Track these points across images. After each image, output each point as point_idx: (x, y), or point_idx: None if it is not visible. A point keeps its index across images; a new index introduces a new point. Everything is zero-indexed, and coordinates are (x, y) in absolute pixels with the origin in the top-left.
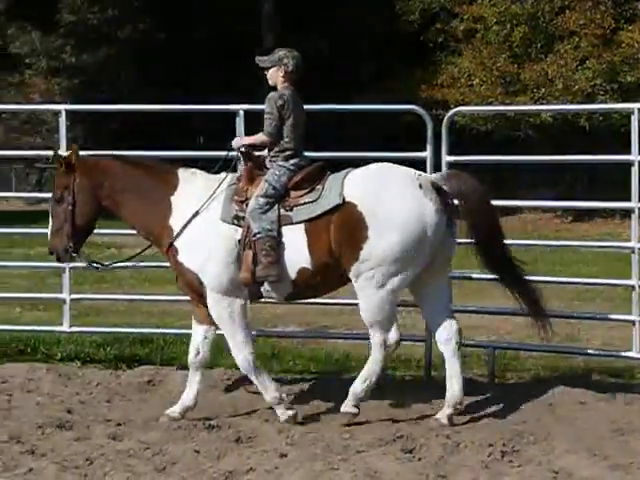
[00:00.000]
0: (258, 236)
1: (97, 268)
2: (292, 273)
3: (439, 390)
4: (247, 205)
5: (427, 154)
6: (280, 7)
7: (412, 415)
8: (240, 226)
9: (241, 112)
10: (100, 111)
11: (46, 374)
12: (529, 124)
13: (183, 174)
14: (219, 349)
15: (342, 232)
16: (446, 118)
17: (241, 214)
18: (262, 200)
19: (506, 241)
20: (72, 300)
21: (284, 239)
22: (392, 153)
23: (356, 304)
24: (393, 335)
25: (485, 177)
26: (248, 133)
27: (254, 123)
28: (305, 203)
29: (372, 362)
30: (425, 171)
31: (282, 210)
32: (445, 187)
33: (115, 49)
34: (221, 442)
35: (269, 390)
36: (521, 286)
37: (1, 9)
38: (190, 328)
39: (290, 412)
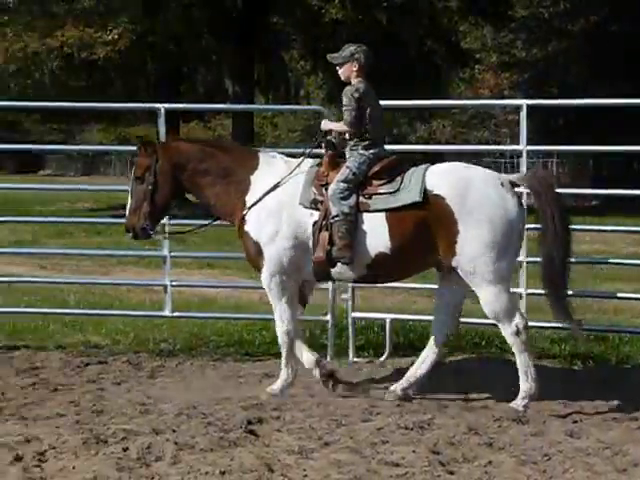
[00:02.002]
0: (336, 219)
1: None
2: (368, 257)
3: None
4: (326, 189)
5: None
6: None
7: None
8: (317, 209)
9: None
10: (556, 106)
11: (500, 366)
12: None
13: (264, 156)
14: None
15: (433, 225)
16: None
17: (319, 198)
18: (342, 185)
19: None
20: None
21: (361, 224)
22: None
23: None
24: (521, 320)
25: None
26: None
27: None
28: (384, 193)
29: (517, 354)
30: None
31: (361, 197)
32: (522, 186)
33: (565, 43)
34: None
35: (289, 369)
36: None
37: (453, 6)
38: None
39: (281, 393)
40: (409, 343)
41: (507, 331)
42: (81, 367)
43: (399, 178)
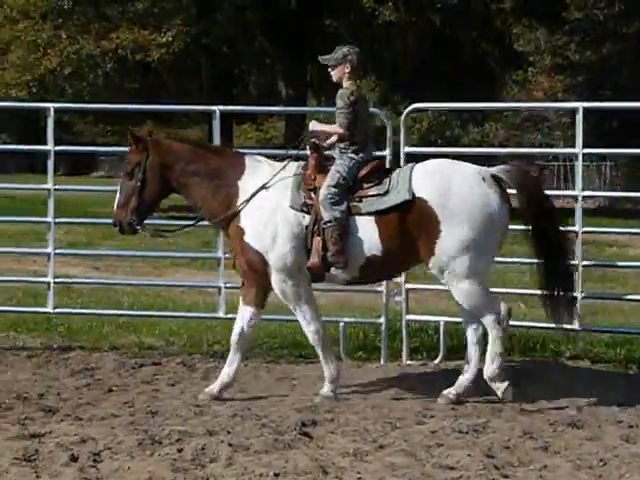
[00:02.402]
0: (329, 224)
1: (162, 236)
2: (361, 259)
3: None
4: (315, 193)
5: None
6: None
7: None
8: (308, 213)
9: None
10: (612, 109)
11: (554, 370)
12: None
13: (249, 160)
14: None
15: (417, 227)
16: None
17: (309, 202)
18: (333, 190)
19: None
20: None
21: (353, 228)
22: None
23: None
24: (504, 308)
25: None
26: None
27: None
28: (373, 195)
29: (492, 340)
30: None
31: (351, 200)
32: (505, 179)
33: (620, 45)
34: None
35: (330, 365)
36: (561, 277)
37: (507, 8)
38: None
39: (333, 393)
40: (463, 346)
41: (488, 320)
42: (135, 368)
43: (387, 180)
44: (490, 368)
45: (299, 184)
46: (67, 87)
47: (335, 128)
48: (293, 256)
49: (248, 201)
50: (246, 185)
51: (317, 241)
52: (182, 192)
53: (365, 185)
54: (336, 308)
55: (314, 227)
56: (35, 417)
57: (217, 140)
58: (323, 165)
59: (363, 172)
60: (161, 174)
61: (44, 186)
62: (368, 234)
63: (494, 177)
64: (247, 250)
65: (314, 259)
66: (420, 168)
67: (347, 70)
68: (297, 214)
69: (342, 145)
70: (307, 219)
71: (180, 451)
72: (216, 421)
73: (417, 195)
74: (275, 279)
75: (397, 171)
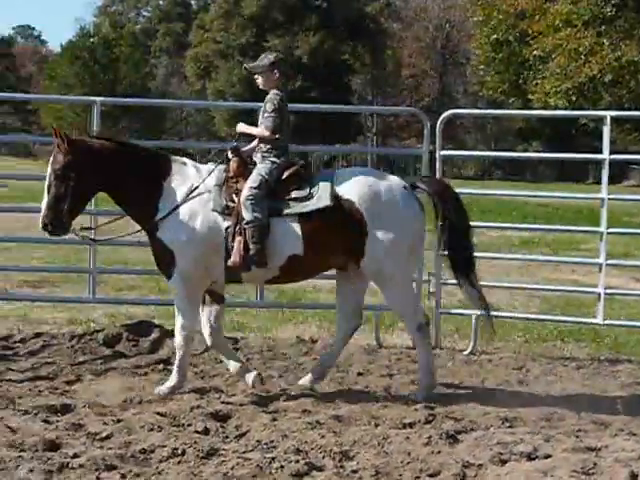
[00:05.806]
0: (250, 224)
1: (93, 241)
2: (281, 260)
3: None
4: (237, 195)
5: None
6: None
7: None
8: (230, 215)
9: None
10: None
11: None
12: None
13: (175, 163)
14: None
15: (343, 230)
16: None
17: (231, 204)
18: (255, 191)
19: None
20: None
21: (274, 229)
22: None
23: None
24: (423, 316)
25: None
26: None
27: None
28: (295, 198)
29: (419, 348)
30: None
31: (273, 202)
32: (423, 188)
33: None
34: None
35: (180, 373)
36: (467, 263)
37: None
38: None
39: (167, 391)
40: None
41: (411, 327)
42: None
43: (308, 184)
44: (427, 377)
45: (221, 187)
46: (605, 94)
47: (261, 131)
48: (202, 260)
49: (176, 208)
50: (171, 187)
51: (238, 241)
52: (108, 192)
53: (287, 188)
54: None
55: (235, 228)
56: (588, 430)
57: None
58: (245, 168)
59: (285, 175)
60: (88, 174)
61: (598, 195)
62: (289, 235)
63: (412, 185)
64: (157, 244)
65: (235, 258)
66: (343, 175)
67: (273, 78)
68: (218, 218)
69: (264, 149)
70: (228, 221)
71: None
72: None
73: (344, 199)
74: (175, 277)
75: (318, 176)
